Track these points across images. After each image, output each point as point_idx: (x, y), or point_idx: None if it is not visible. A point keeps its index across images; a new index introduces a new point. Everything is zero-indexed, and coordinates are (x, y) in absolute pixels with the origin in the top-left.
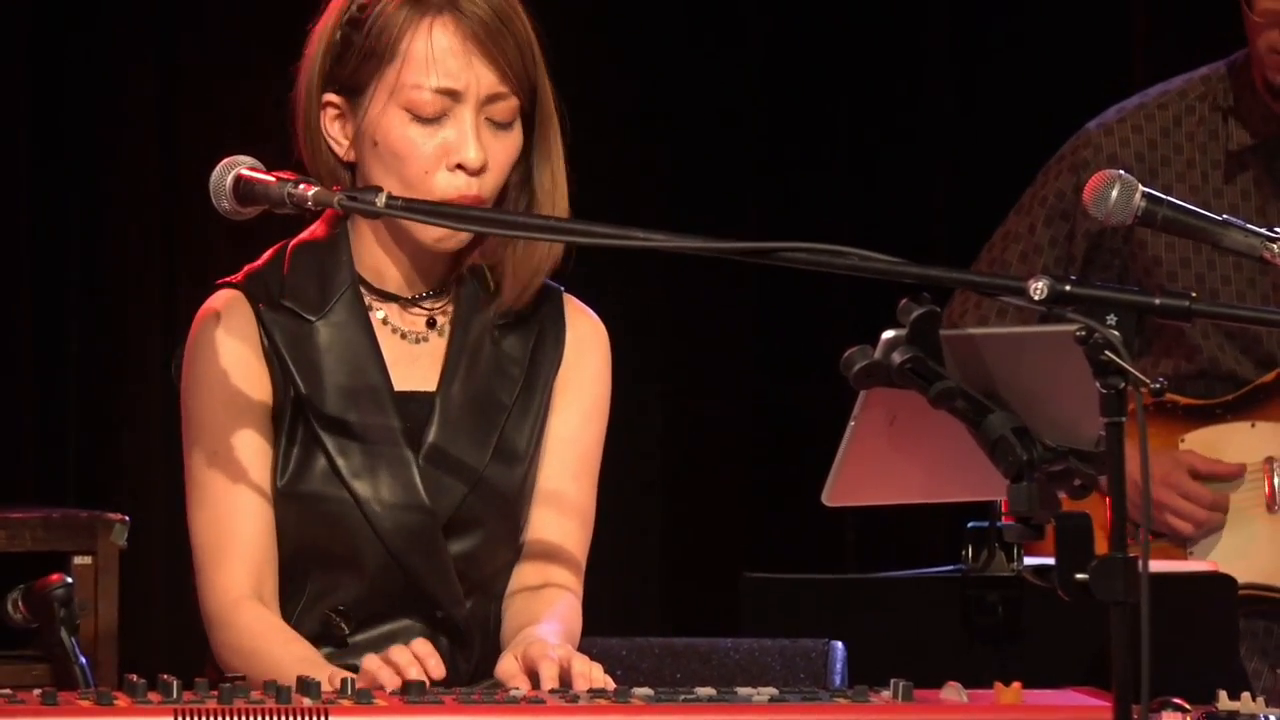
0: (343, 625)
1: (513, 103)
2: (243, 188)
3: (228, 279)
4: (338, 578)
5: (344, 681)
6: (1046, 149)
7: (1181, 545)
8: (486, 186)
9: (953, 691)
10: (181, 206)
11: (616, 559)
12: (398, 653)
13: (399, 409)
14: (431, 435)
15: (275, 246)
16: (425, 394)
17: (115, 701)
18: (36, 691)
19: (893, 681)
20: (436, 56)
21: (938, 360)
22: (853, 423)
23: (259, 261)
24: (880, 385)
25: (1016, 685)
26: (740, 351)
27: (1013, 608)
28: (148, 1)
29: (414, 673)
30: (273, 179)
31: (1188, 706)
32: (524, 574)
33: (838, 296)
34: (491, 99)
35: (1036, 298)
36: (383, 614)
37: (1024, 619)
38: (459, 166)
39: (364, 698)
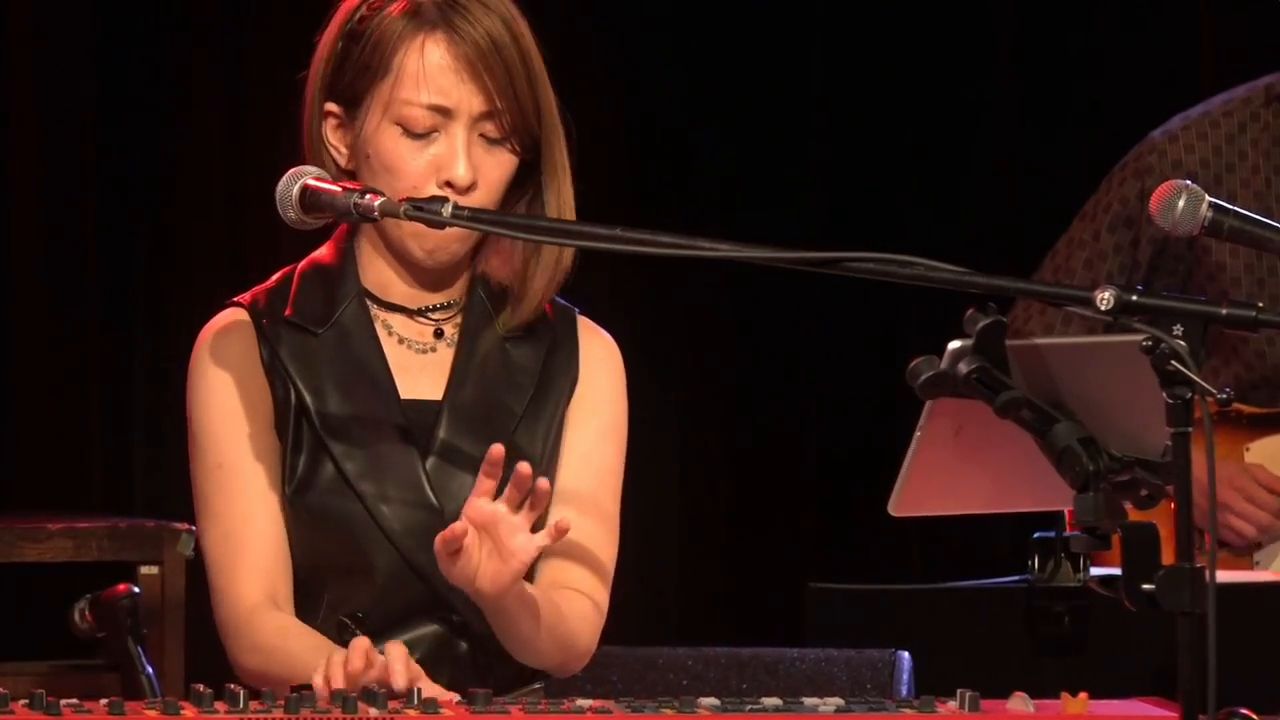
0: (356, 631)
1: (506, 121)
2: (309, 197)
3: (236, 298)
4: (352, 586)
5: (414, 691)
6: (1111, 157)
7: (1247, 555)
8: (475, 203)
9: (1019, 702)
10: (248, 215)
11: (683, 569)
12: (356, 657)
13: (404, 412)
14: (439, 439)
15: (285, 269)
16: (431, 403)
17: (181, 711)
18: (103, 701)
19: (959, 692)
20: (428, 73)
21: (1004, 370)
22: (919, 433)
23: (268, 282)
24: (946, 395)
25: (1083, 695)
26: (806, 360)
27: (1079, 618)
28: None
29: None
30: (339, 189)
31: (1255, 717)
32: (541, 577)
33: (904, 306)
34: (483, 116)
35: (1103, 308)
36: (401, 620)
37: (1090, 629)
38: (448, 183)
39: (430, 707)
